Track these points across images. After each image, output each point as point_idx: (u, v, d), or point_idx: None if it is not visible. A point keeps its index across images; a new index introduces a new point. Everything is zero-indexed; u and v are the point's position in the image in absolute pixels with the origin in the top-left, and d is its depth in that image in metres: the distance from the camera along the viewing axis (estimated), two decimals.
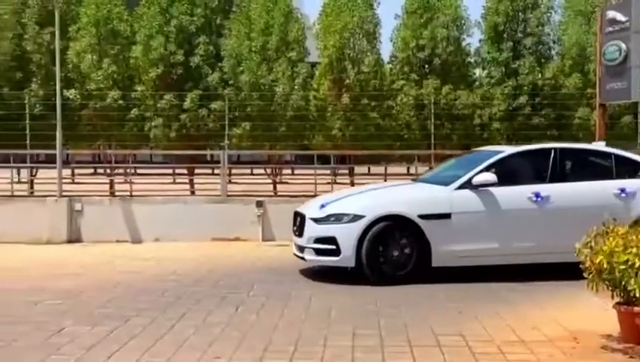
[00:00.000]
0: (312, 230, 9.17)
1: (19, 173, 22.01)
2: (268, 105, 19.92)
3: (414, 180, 10.93)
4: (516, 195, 9.10)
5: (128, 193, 16.07)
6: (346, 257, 8.86)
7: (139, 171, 22.30)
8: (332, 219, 9.03)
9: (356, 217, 8.90)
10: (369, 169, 24.37)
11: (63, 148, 16.58)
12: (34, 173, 19.94)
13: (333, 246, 8.89)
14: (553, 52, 21.14)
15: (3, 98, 20.46)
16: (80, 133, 20.61)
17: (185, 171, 22.13)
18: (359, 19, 20.23)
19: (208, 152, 22.74)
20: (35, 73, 20.58)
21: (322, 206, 9.33)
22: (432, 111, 19.09)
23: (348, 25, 20.03)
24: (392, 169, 21.99)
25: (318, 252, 9.15)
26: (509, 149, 9.91)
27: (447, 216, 8.80)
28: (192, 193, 19.12)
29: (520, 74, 19.97)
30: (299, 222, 9.56)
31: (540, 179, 9.27)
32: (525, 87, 19.81)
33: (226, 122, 19.38)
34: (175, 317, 7.37)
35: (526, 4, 20.62)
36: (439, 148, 18.79)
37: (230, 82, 20.18)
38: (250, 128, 19.62)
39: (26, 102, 19.60)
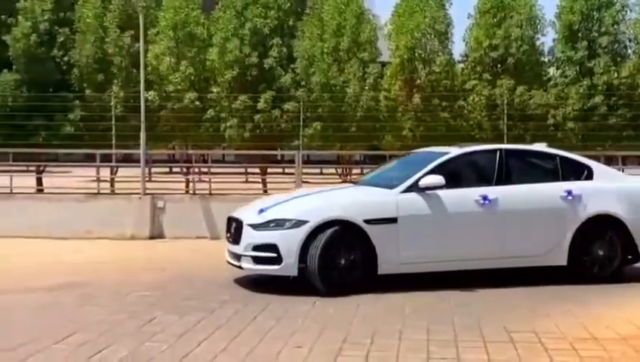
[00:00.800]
0: (250, 237, 8.38)
1: (98, 172, 22.87)
2: (339, 105, 20.20)
3: (355, 183, 10.21)
4: (464, 198, 8.56)
5: (207, 191, 16.60)
6: (289, 265, 8.14)
7: (213, 170, 22.90)
8: (272, 224, 8.28)
9: (299, 223, 8.16)
10: None
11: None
12: (114, 172, 20.72)
13: (274, 254, 8.12)
14: (629, 51, 20.76)
15: (86, 100, 21.35)
16: (158, 134, 21.31)
17: (257, 170, 22.63)
18: (431, 20, 20.32)
19: (279, 152, 23.19)
20: (116, 75, 21.39)
21: (261, 211, 8.53)
22: (505, 111, 19.01)
23: (420, 25, 20.14)
24: None
25: (257, 260, 8.35)
26: (454, 150, 9.26)
27: (393, 220, 8.20)
28: (265, 192, 19.56)
29: (595, 73, 19.70)
30: (234, 229, 8.75)
31: (487, 181, 8.73)
32: (600, 87, 19.52)
33: (300, 123, 19.73)
34: (257, 310, 7.70)
35: (601, 2, 20.33)
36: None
37: (302, 83, 20.55)
38: (322, 128, 19.94)
39: (111, 104, 20.38)
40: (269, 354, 5.85)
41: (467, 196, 8.59)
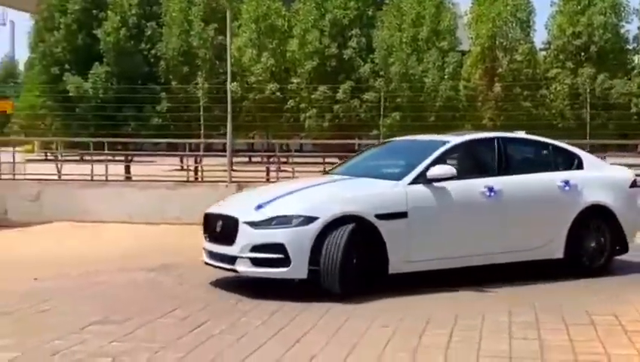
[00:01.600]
0: (248, 236, 7.12)
1: (181, 161, 23.64)
2: (418, 95, 20.29)
3: (327, 173, 9.13)
4: (469, 190, 7.82)
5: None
6: (298, 267, 6.96)
7: (292, 160, 23.34)
8: (275, 222, 7.10)
9: (308, 219, 7.02)
10: None
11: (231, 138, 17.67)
12: (199, 161, 21.42)
13: (280, 255, 6.97)
14: None
15: (172, 91, 22.14)
16: (240, 124, 21.88)
17: (336, 160, 22.97)
18: (512, 7, 20.16)
19: (357, 141, 23.49)
20: (201, 67, 22.07)
21: (259, 206, 7.31)
22: (588, 100, 18.70)
23: (501, 13, 20.02)
24: None
25: (258, 262, 7.11)
26: (454, 138, 8.30)
27: (403, 215, 7.36)
28: None
29: None
30: (221, 227, 7.48)
31: (488, 171, 8.08)
32: None
33: (381, 112, 19.91)
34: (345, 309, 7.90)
35: None
36: (595, 138, 18.36)
37: (381, 73, 20.73)
38: (400, 118, 20.09)
39: (199, 95, 21.04)
40: (357, 332, 6.08)
41: (473, 187, 7.85)
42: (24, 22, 78.72)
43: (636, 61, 20.63)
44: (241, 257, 7.18)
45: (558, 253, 8.32)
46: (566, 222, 8.29)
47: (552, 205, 8.24)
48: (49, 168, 18.63)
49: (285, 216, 7.14)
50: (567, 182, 8.35)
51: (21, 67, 48.50)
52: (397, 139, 9.97)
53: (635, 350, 5.23)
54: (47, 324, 5.83)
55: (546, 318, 6.39)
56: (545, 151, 8.84)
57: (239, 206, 7.71)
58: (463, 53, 22.24)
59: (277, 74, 21.70)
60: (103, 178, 15.44)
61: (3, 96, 22.50)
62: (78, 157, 21.98)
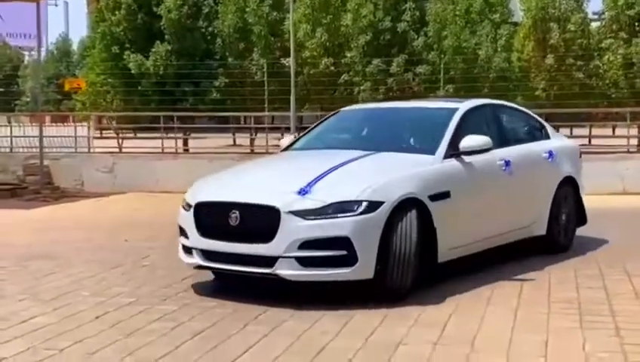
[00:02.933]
0: (297, 230, 5.45)
1: (234, 135, 24.05)
2: (471, 67, 20.53)
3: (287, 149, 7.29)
4: (489, 164, 6.82)
5: None
6: (365, 265, 5.47)
7: None
8: (332, 210, 5.51)
9: (373, 205, 5.55)
10: (571, 131, 23.80)
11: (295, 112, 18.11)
12: (254, 135, 21.96)
13: (343, 252, 5.46)
14: None
15: (228, 67, 22.74)
16: (296, 98, 22.43)
17: None
18: None
19: None
20: (256, 43, 22.59)
21: (304, 191, 5.63)
22: None
23: None
24: (596, 131, 21.29)
25: (309, 262, 5.48)
26: (463, 104, 7.13)
27: (446, 194, 6.23)
28: None
29: None
30: (244, 220, 5.61)
31: (494, 142, 6.87)
32: None
33: (441, 83, 20.16)
34: None
35: None
36: None
37: (434, 46, 20.99)
38: (454, 90, 20.36)
39: (264, 69, 21.51)
40: None
41: (491, 161, 6.81)
42: (77, 1, 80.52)
43: None
44: (286, 257, 5.39)
45: (542, 230, 7.55)
46: (550, 195, 7.65)
47: (542, 178, 7.61)
48: (109, 143, 19.41)
49: (347, 202, 5.49)
50: (550, 153, 7.73)
51: (74, 47, 49.79)
52: (351, 107, 8.16)
53: None
54: (152, 276, 6.44)
55: (610, 272, 6.71)
56: (525, 119, 8.10)
57: (265, 189, 5.76)
58: (516, 24, 22.31)
59: (331, 48, 22.10)
60: (169, 151, 16.10)
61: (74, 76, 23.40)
62: (132, 133, 22.61)
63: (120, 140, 20.08)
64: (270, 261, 5.49)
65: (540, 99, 20.35)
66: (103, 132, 25.46)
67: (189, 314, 5.23)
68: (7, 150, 16.25)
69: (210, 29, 22.70)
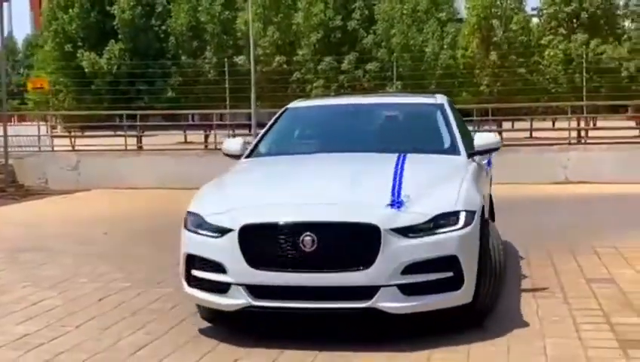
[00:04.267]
0: (402, 251, 4.45)
1: (185, 131, 24.21)
2: (419, 64, 21.30)
3: (237, 156, 5.95)
4: (482, 163, 6.08)
5: None
6: (469, 287, 4.59)
7: None
8: (435, 224, 4.55)
9: (469, 215, 4.67)
10: (512, 125, 24.80)
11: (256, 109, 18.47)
12: (208, 132, 22.26)
13: (449, 274, 4.53)
14: None
15: (181, 66, 23.04)
16: (247, 95, 22.84)
17: None
18: None
19: None
20: (209, 42, 22.95)
21: (397, 203, 4.59)
22: (584, 64, 19.55)
23: None
24: (537, 124, 22.28)
25: (413, 290, 4.48)
26: (439, 99, 6.48)
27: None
28: None
29: None
30: (325, 243, 4.42)
31: None
32: None
33: (393, 80, 20.77)
34: None
35: None
36: (588, 99, 19.31)
37: (383, 44, 21.71)
38: (402, 87, 21.10)
39: (218, 68, 21.80)
40: None
41: (481, 160, 6.04)
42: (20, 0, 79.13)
43: (627, 26, 21.68)
44: (388, 286, 4.40)
45: None
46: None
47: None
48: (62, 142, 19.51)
49: (448, 214, 4.57)
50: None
51: (19, 45, 48.99)
52: (297, 104, 6.79)
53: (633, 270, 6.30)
54: (141, 264, 6.88)
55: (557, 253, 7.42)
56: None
57: (346, 203, 4.64)
58: (461, 20, 23.18)
59: (283, 47, 22.60)
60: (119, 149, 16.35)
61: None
62: (80, 132, 22.62)
63: (72, 139, 20.18)
64: (368, 292, 4.37)
65: (484, 94, 21.25)
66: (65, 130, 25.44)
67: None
68: None
69: (163, 27, 22.96)
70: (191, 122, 24.62)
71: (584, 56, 19.62)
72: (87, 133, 21.87)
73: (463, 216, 4.57)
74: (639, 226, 8.44)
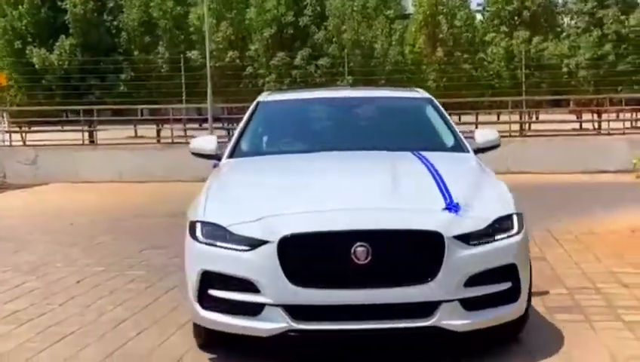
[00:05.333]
0: (466, 261, 3.96)
1: (135, 126, 24.34)
2: (368, 60, 21.94)
3: (215, 158, 5.34)
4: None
5: None
6: (523, 299, 4.18)
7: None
8: (491, 231, 4.09)
9: (520, 218, 4.26)
10: (459, 118, 25.67)
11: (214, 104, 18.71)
12: (160, 127, 22.41)
13: (508, 284, 4.09)
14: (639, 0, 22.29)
15: (134, 61, 23.21)
16: (200, 90, 23.14)
17: None
18: None
19: None
20: (161, 37, 23.17)
21: (454, 207, 4.08)
22: (524, 61, 20.57)
23: None
24: (482, 118, 23.19)
25: (475, 305, 4.01)
26: (421, 93, 6.14)
27: None
28: None
29: (605, 23, 21.29)
30: (391, 253, 3.92)
31: None
32: (610, 36, 21.11)
33: (345, 75, 21.31)
34: None
35: None
36: (529, 94, 20.24)
37: (334, 40, 22.28)
38: (353, 82, 21.71)
39: (172, 63, 22.00)
40: None
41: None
42: None
43: (566, 23, 22.72)
44: (450, 301, 3.90)
45: None
46: None
47: None
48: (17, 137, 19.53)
49: (506, 218, 4.14)
50: None
51: None
52: (269, 96, 6.18)
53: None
54: (110, 251, 7.27)
55: None
56: None
57: (398, 208, 4.07)
58: (409, 16, 23.91)
59: (235, 42, 22.98)
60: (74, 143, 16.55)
61: None
62: (27, 127, 22.61)
63: (23, 134, 20.19)
64: (428, 309, 3.86)
65: (432, 89, 21.98)
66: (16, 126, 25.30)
67: (158, 276, 6.15)
68: None
69: (115, 23, 23.05)
70: (143, 117, 24.78)
71: (524, 53, 20.54)
72: (37, 128, 21.86)
73: (515, 220, 4.14)
74: (570, 211, 9.16)
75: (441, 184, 4.23)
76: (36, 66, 22.82)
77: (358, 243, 3.77)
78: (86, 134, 18.96)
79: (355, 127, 5.81)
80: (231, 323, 3.96)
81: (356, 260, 3.78)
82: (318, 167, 4.78)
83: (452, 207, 4.02)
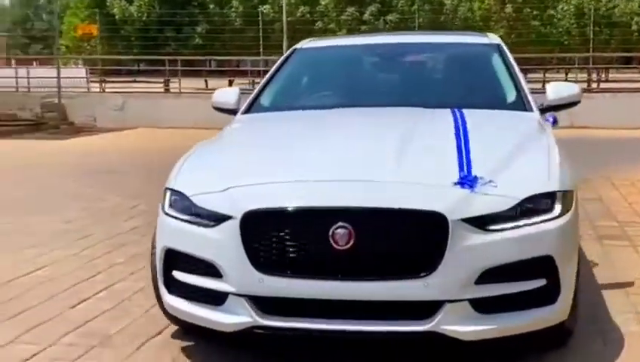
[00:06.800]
0: (479, 250, 3.01)
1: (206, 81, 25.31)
2: (437, 16, 22.25)
3: (232, 111, 4.63)
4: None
5: None
6: (565, 300, 3.20)
7: None
8: (519, 212, 3.08)
9: (567, 197, 3.25)
10: (525, 75, 25.59)
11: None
12: (232, 79, 23.30)
13: (542, 282, 3.11)
14: None
15: (209, 14, 24.06)
16: (272, 44, 23.88)
17: None
18: None
19: None
20: None
21: (470, 182, 3.11)
22: (592, 18, 20.49)
23: None
24: (550, 75, 23.30)
25: (494, 306, 3.07)
26: (490, 38, 5.13)
27: None
28: None
29: None
30: (379, 237, 3.01)
31: None
32: None
33: (416, 30, 21.75)
34: None
35: None
36: (598, 52, 20.29)
37: None
38: None
39: (249, 18, 22.76)
40: None
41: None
42: None
43: None
44: (456, 301, 3.04)
45: None
46: None
47: None
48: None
49: (544, 196, 3.18)
50: None
51: None
52: (345, 43, 5.63)
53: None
54: None
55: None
56: None
57: (393, 181, 3.18)
58: None
59: None
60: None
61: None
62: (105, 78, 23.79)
63: (102, 83, 21.34)
64: (427, 309, 3.05)
65: None
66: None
67: None
68: (25, 90, 17.55)
69: None
70: (214, 68, 25.65)
71: (593, 10, 20.51)
72: (115, 79, 22.99)
73: (559, 200, 3.17)
74: (630, 162, 9.64)
75: (464, 151, 3.38)
76: (116, 17, 23.93)
77: (338, 224, 2.95)
78: (165, 85, 20.02)
79: (397, 78, 5.02)
80: (193, 313, 3.24)
81: (335, 245, 2.95)
82: (327, 126, 4.00)
83: (466, 181, 3.13)
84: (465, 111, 4.00)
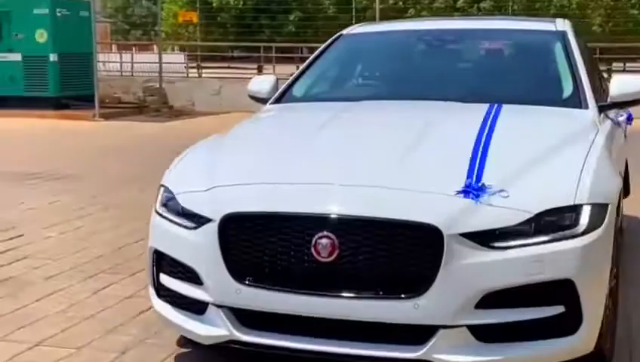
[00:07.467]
0: (480, 270, 2.59)
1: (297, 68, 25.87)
2: (532, 4, 21.96)
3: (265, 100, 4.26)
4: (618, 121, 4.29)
5: None
6: (590, 329, 2.73)
7: None
8: (533, 228, 2.65)
9: (597, 212, 2.76)
10: (624, 64, 24.71)
11: None
12: None
13: (559, 309, 2.65)
14: None
15: (302, 2, 24.51)
16: None
17: None
18: None
19: None
20: None
21: (475, 191, 2.69)
22: None
23: None
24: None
25: (499, 334, 2.65)
26: (558, 24, 4.53)
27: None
28: None
29: None
30: (366, 250, 2.63)
31: None
32: None
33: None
34: None
35: None
36: None
37: None
38: None
39: (342, 5, 23.12)
40: None
41: (617, 117, 4.27)
42: None
43: None
44: (453, 326, 2.66)
45: None
46: None
47: None
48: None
49: (568, 210, 2.74)
50: None
51: None
52: (396, 28, 5.13)
53: None
54: None
55: None
56: None
57: (384, 189, 2.80)
58: None
59: None
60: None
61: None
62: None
63: (199, 68, 22.12)
64: (419, 335, 2.69)
65: (596, 34, 21.71)
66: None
67: None
68: (129, 74, 18.50)
69: None
70: (306, 55, 26.18)
71: None
72: (210, 64, 23.79)
73: (586, 214, 2.75)
74: None
75: (480, 155, 2.97)
76: (213, 5, 24.71)
77: (322, 234, 2.65)
78: (254, 71, 20.62)
79: (441, 68, 4.52)
80: (175, 320, 3.02)
81: (317, 256, 2.65)
82: (342, 123, 3.63)
83: (471, 189, 2.75)
84: (504, 107, 3.56)
